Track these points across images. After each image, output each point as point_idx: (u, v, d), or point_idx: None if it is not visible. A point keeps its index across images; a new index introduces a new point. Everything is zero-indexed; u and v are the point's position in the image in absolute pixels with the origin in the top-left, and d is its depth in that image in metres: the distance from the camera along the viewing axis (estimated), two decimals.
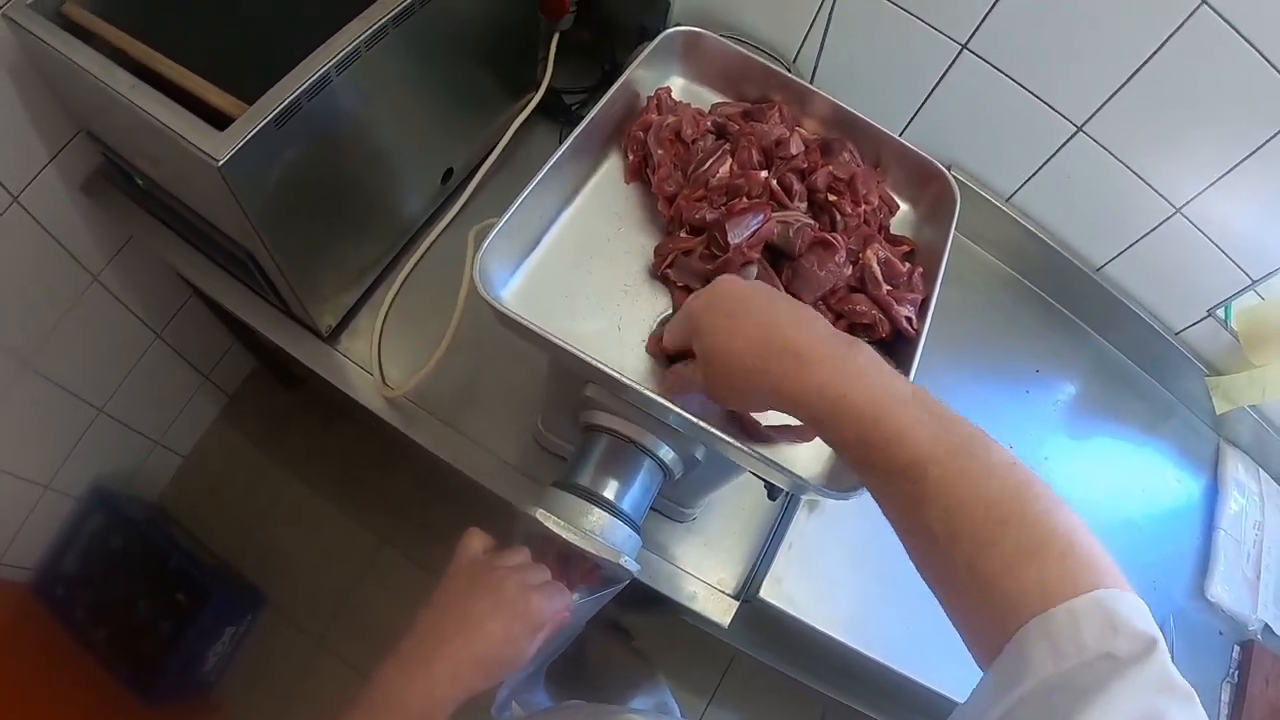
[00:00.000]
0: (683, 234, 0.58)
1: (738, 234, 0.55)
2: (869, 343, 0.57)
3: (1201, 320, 1.09)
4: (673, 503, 0.85)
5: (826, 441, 0.45)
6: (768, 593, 0.84)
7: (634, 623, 1.56)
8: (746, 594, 0.87)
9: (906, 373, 0.54)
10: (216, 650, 1.41)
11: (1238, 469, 1.15)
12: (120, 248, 1.11)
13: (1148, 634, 0.33)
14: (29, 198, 0.92)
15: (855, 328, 0.57)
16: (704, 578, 0.87)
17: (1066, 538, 0.37)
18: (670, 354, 0.55)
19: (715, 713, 1.62)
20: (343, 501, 1.64)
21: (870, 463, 0.42)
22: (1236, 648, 1.04)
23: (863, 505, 0.52)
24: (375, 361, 0.88)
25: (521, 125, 0.94)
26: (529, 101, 0.95)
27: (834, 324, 0.57)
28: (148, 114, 0.62)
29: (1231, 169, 0.89)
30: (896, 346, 0.58)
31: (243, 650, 1.49)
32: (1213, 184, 0.92)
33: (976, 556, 0.38)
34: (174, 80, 0.65)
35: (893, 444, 0.41)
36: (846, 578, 0.87)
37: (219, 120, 0.62)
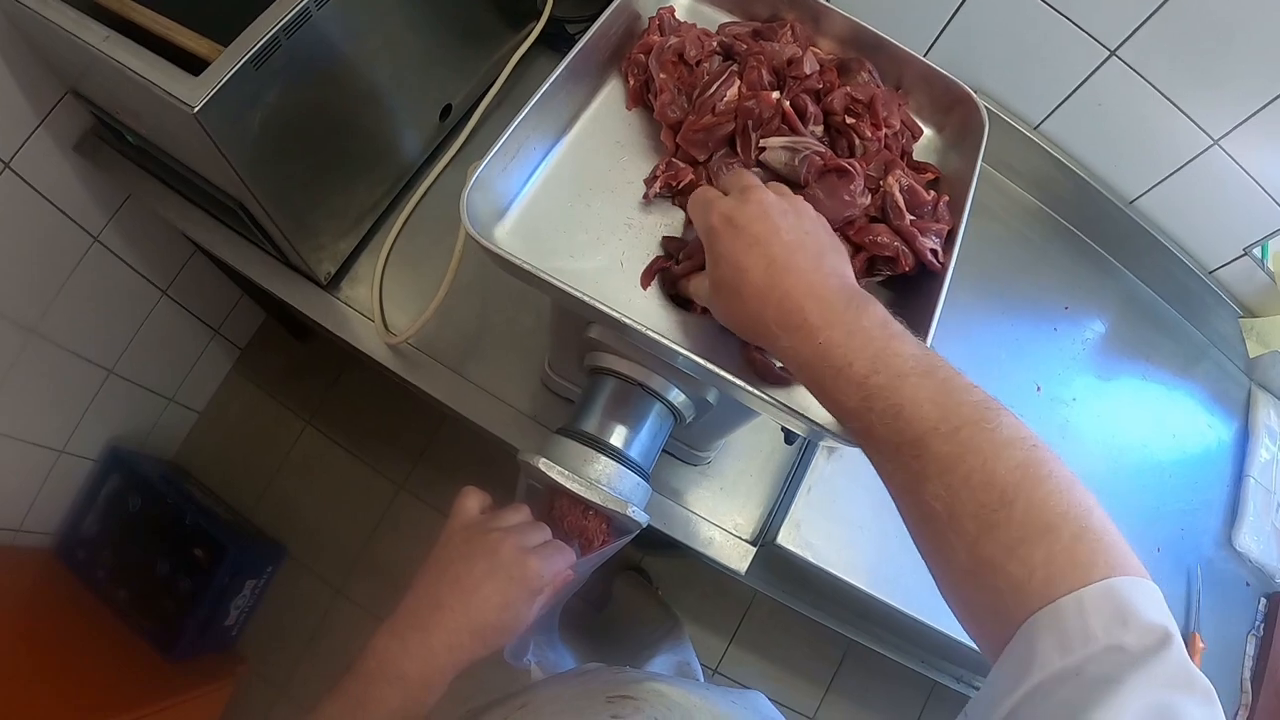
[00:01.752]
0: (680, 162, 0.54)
1: None
2: (891, 276, 0.55)
3: (1237, 259, 1.05)
4: (686, 446, 0.83)
5: (825, 406, 0.43)
6: (785, 538, 0.83)
7: (654, 565, 1.57)
8: (764, 539, 0.86)
9: (932, 310, 0.51)
10: (237, 604, 1.43)
11: (1270, 415, 1.11)
12: (118, 207, 1.09)
13: (1160, 626, 0.32)
14: (21, 162, 0.90)
15: (876, 260, 0.53)
16: (720, 523, 0.86)
17: (1078, 521, 0.35)
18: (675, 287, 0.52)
19: (736, 654, 1.63)
20: (358, 449, 1.64)
21: (871, 435, 0.40)
22: (1263, 599, 1.02)
23: None
24: (377, 308, 0.86)
25: (522, 58, 0.90)
26: (530, 32, 0.91)
27: (853, 257, 0.53)
28: (121, 65, 0.60)
29: (1274, 100, 0.84)
30: (921, 281, 0.54)
31: (263, 603, 1.52)
32: (1253, 115, 0.87)
33: (979, 538, 0.35)
34: (149, 28, 0.62)
35: (895, 417, 0.39)
36: (866, 523, 0.86)
37: (197, 66, 0.59)
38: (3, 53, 0.80)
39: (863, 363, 0.39)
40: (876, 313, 0.41)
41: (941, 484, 0.37)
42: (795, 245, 0.43)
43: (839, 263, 0.45)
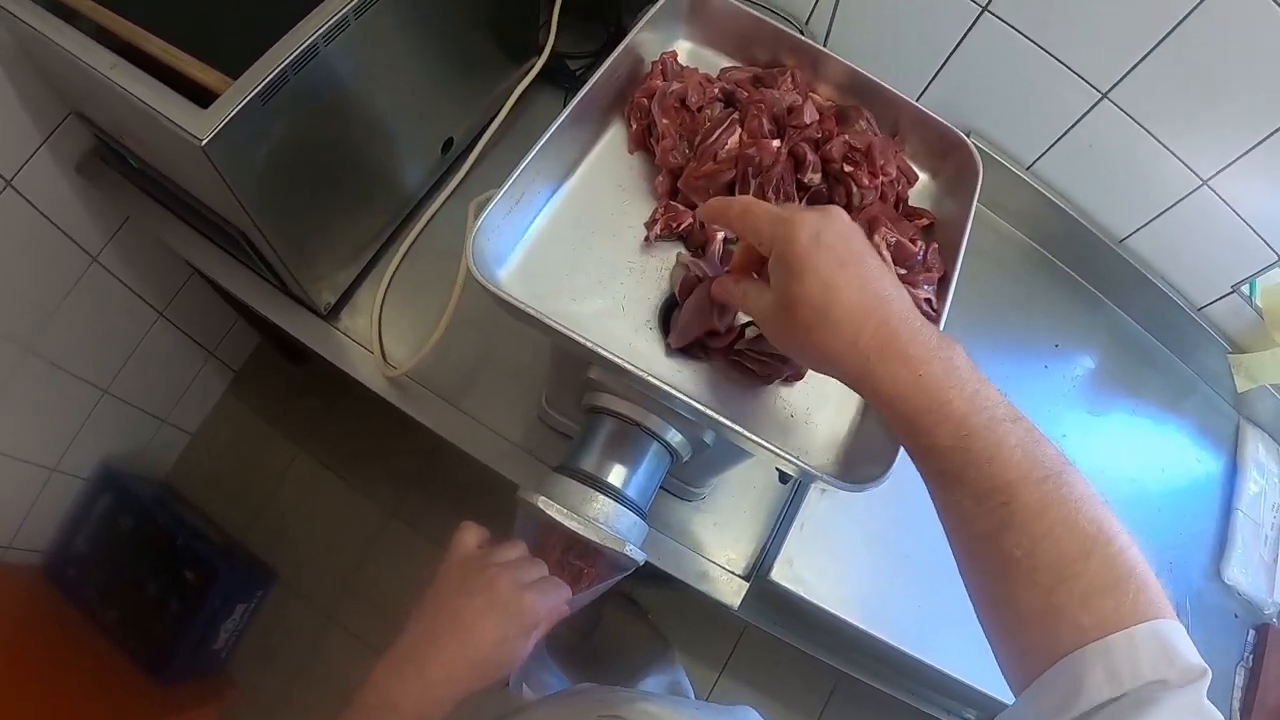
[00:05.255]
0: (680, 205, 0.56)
1: None
2: None
3: (1225, 296, 1.06)
4: (681, 482, 0.84)
5: (911, 443, 0.42)
6: (778, 574, 0.83)
7: (646, 596, 1.56)
8: (757, 574, 0.86)
9: None
10: (227, 628, 1.42)
11: (1258, 449, 1.12)
12: (118, 228, 1.09)
13: (1200, 666, 0.34)
14: (23, 181, 0.90)
15: None
16: (713, 558, 0.86)
17: (1140, 577, 0.36)
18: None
19: (727, 684, 1.63)
20: (351, 475, 1.64)
21: (961, 477, 0.39)
22: (1252, 631, 1.03)
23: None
24: (376, 339, 0.86)
25: (524, 92, 0.90)
26: (531, 67, 0.92)
27: None
28: (129, 93, 0.60)
29: (1261, 141, 0.86)
30: None
31: (253, 627, 1.50)
32: (1241, 156, 0.88)
33: (1055, 587, 0.37)
34: (158, 57, 0.62)
35: (990, 460, 0.38)
36: (859, 558, 0.86)
37: (205, 97, 0.60)
38: (8, 72, 0.80)
39: (962, 401, 0.39)
40: (964, 354, 0.41)
41: (1025, 533, 0.37)
42: (883, 271, 0.42)
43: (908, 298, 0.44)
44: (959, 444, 0.39)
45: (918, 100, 0.63)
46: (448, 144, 0.91)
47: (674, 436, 0.60)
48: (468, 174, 0.93)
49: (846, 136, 0.57)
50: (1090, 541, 0.37)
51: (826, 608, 0.82)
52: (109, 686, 1.27)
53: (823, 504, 0.87)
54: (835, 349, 0.41)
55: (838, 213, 0.43)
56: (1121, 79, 0.88)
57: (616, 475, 0.58)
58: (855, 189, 0.56)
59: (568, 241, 0.56)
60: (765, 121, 0.55)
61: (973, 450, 0.39)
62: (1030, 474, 0.38)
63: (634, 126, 0.59)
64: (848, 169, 0.56)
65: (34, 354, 1.07)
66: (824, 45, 0.64)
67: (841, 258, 0.41)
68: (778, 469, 0.59)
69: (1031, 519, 0.37)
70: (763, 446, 0.49)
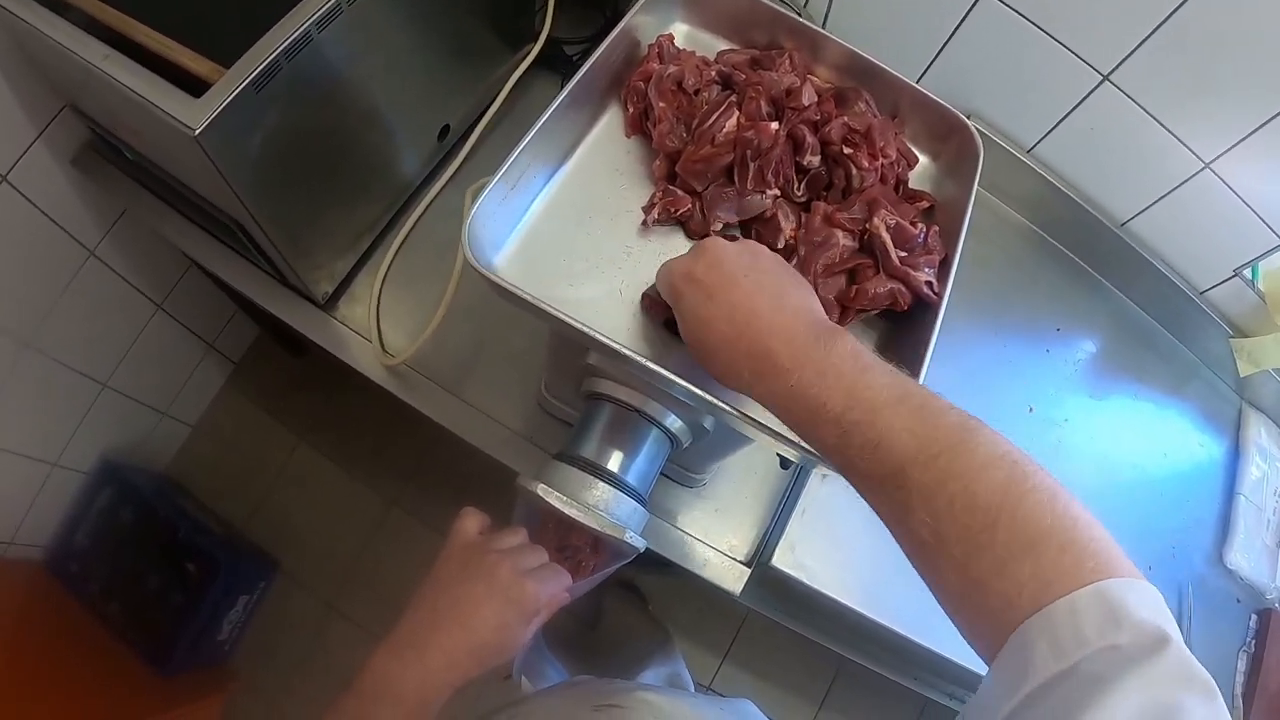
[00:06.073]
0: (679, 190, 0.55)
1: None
2: (892, 313, 0.55)
3: (1227, 280, 1.06)
4: (682, 468, 0.84)
5: (809, 445, 0.43)
6: (780, 560, 0.83)
7: (647, 582, 1.57)
8: (758, 561, 0.86)
9: (928, 338, 0.51)
10: (230, 619, 1.43)
11: (1260, 434, 1.12)
12: (115, 221, 1.09)
13: (1153, 625, 0.31)
14: (18, 176, 0.90)
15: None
16: (715, 544, 0.86)
17: (1064, 533, 0.34)
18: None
19: (729, 671, 1.63)
20: (351, 464, 1.64)
21: (854, 469, 0.41)
22: (1254, 616, 1.03)
23: None
24: (374, 328, 0.86)
25: (521, 78, 0.90)
26: (528, 53, 0.91)
27: (847, 305, 0.54)
28: (121, 84, 0.60)
29: (1264, 124, 0.85)
30: (915, 308, 0.55)
31: (256, 617, 1.51)
32: (1244, 139, 0.88)
33: (968, 561, 0.36)
34: (150, 47, 0.62)
35: (874, 450, 0.39)
36: (860, 544, 0.86)
37: (198, 87, 0.59)
38: (2, 66, 0.80)
39: (836, 400, 0.39)
40: (846, 346, 0.41)
41: (926, 512, 0.37)
42: (754, 290, 0.44)
43: (803, 298, 0.45)
44: (841, 441, 0.40)
45: (917, 82, 0.62)
46: (444, 131, 0.90)
47: (674, 422, 0.59)
48: (464, 161, 0.92)
49: (846, 118, 0.56)
50: (995, 510, 0.35)
51: (828, 593, 0.82)
52: (112, 680, 1.27)
53: (824, 489, 0.87)
54: (721, 374, 0.45)
55: (711, 243, 0.46)
56: (1123, 61, 0.87)
57: (616, 462, 0.58)
58: (855, 171, 0.55)
59: (564, 226, 0.55)
60: (763, 104, 0.55)
61: (854, 445, 0.39)
62: (920, 454, 0.37)
63: (631, 110, 0.59)
64: (847, 151, 0.55)
65: (32, 349, 1.07)
66: (822, 27, 0.63)
67: (710, 290, 0.44)
68: (779, 454, 0.58)
69: (928, 498, 0.37)
70: (763, 431, 0.49)
